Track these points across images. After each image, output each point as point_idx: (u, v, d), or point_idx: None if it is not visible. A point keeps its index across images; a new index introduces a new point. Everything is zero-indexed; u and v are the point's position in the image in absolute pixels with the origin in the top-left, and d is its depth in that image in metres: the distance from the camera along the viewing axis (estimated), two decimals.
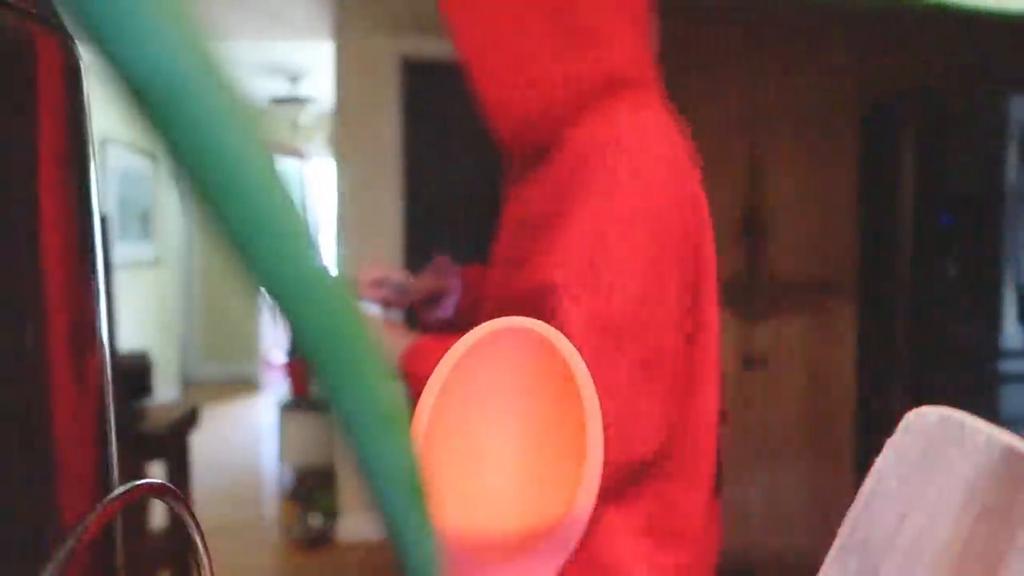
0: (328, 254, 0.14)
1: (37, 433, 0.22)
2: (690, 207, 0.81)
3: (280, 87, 5.14)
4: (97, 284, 0.25)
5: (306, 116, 5.60)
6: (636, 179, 0.79)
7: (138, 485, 0.22)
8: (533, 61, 0.84)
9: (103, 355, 0.25)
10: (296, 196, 0.13)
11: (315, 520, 3.23)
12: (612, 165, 0.80)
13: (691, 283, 0.81)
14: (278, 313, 0.14)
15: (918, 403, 0.20)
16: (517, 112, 0.87)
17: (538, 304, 0.78)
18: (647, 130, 0.82)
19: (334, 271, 0.14)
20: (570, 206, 0.82)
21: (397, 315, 1.18)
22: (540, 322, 0.24)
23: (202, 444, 3.95)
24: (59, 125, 0.23)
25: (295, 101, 5.23)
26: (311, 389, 3.45)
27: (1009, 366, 2.56)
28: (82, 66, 0.24)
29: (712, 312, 0.85)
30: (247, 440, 4.94)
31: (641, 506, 0.83)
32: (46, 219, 0.22)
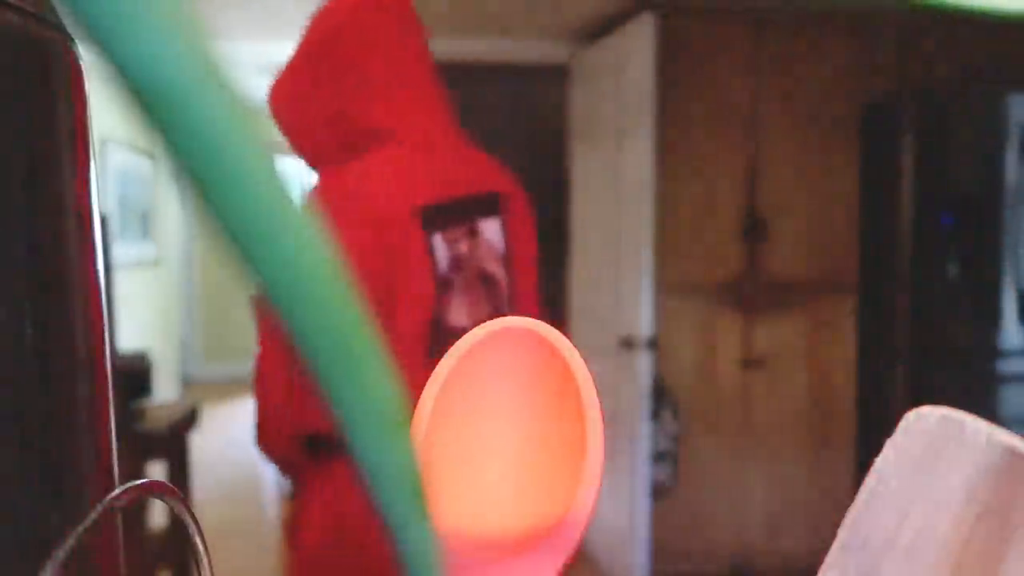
0: (328, 254, 0.14)
1: (37, 433, 0.22)
2: (381, 244, 0.99)
3: None
4: (98, 284, 0.25)
5: None
6: (335, 217, 0.96)
7: (138, 485, 0.22)
8: (307, 112, 1.06)
9: (103, 355, 0.25)
10: (296, 196, 0.13)
11: None
12: (321, 203, 1.00)
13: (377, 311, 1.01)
14: (277, 313, 0.14)
15: (918, 403, 0.20)
16: (301, 149, 1.08)
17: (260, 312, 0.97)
18: (368, 179, 1.01)
19: (334, 271, 0.14)
20: None
21: None
22: (540, 322, 0.24)
23: (202, 444, 3.95)
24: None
25: None
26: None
27: (1009, 366, 2.56)
28: (82, 66, 0.24)
29: (402, 348, 1.00)
30: (247, 440, 4.94)
31: None
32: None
